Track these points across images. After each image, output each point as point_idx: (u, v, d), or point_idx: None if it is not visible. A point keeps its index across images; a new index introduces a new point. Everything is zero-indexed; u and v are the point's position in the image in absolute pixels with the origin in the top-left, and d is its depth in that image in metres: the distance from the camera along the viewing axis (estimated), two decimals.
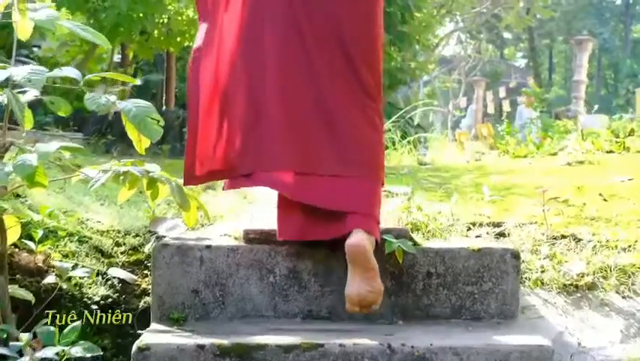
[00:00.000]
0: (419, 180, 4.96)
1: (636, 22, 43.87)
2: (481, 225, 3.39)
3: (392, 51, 10.39)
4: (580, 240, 3.15)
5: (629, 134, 6.27)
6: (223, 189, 2.50)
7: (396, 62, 10.58)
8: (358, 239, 2.15)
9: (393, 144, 6.98)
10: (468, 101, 30.67)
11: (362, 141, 2.31)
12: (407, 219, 2.94)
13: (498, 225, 3.45)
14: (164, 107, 11.13)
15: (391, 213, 3.03)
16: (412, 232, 2.83)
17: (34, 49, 10.06)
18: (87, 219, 3.02)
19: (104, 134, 8.34)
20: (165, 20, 8.89)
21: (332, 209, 2.23)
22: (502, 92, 30.51)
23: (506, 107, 31.32)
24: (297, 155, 2.26)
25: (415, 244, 2.43)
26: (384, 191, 4.46)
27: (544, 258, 2.92)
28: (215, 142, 2.39)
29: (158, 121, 2.22)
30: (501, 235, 3.33)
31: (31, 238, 2.51)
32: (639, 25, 43.85)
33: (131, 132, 2.32)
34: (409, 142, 7.21)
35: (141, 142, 2.34)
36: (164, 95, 11.21)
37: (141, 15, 7.71)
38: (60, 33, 9.19)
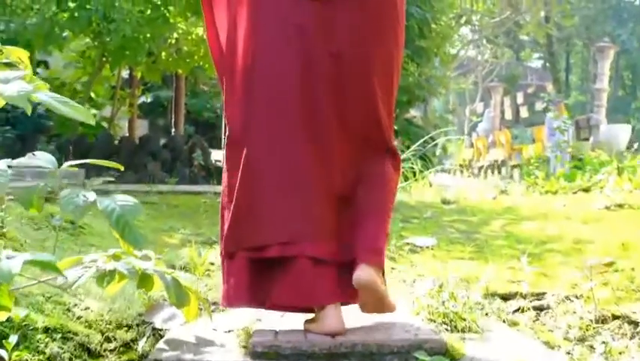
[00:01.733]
0: (444, 226, 4.59)
1: None
2: (521, 296, 3.06)
3: (410, 66, 9.99)
4: (635, 323, 2.77)
5: None
6: None
7: (414, 77, 10.17)
8: (368, 275, 2.09)
9: (414, 174, 6.60)
10: (485, 105, 30.23)
11: (375, 184, 2.22)
12: (439, 308, 2.56)
13: (537, 296, 3.11)
14: (173, 130, 10.78)
15: (421, 298, 2.64)
16: (444, 324, 2.47)
17: (38, 70, 9.76)
18: (74, 305, 2.66)
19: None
20: (173, 41, 8.54)
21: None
22: (519, 98, 30.03)
23: (524, 113, 30.91)
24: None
25: (453, 359, 2.05)
26: (408, 244, 4.10)
27: (599, 354, 2.53)
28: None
29: None
30: (541, 309, 2.99)
31: (2, 345, 2.15)
32: None
33: (115, 231, 1.96)
34: (430, 172, 6.85)
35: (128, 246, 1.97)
36: (174, 116, 10.83)
37: (148, 36, 7.36)
38: (66, 54, 8.90)
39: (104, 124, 9.11)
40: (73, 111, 2.11)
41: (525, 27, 13.69)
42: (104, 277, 2.09)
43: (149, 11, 7.39)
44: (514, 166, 22.60)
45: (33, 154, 2.01)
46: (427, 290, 2.60)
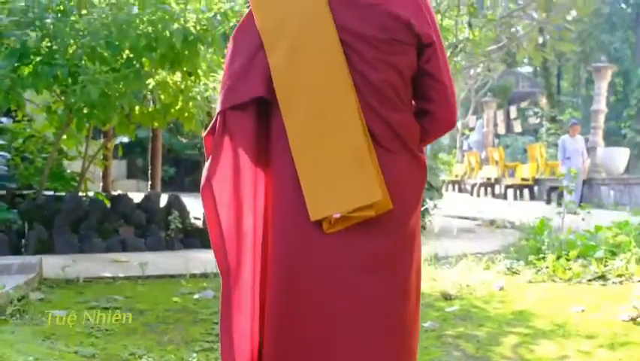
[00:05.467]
0: (448, 346, 4.01)
1: None
2: None
3: None
4: None
5: None
6: None
7: None
8: None
9: None
10: (477, 118, 29.69)
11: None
12: None
13: None
14: (149, 185, 10.12)
15: None
16: None
17: (4, 119, 9.11)
18: None
19: (76, 227, 7.28)
20: (149, 94, 7.92)
21: None
22: (512, 112, 29.54)
23: (517, 127, 30.41)
24: None
25: None
26: None
27: None
28: None
29: None
30: None
31: None
32: None
33: None
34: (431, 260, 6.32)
35: None
36: (150, 169, 10.12)
37: (122, 91, 6.74)
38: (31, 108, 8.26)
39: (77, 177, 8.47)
40: None
41: (522, 52, 13.10)
42: None
43: (119, 65, 6.78)
44: (508, 186, 22.07)
45: None
46: None
